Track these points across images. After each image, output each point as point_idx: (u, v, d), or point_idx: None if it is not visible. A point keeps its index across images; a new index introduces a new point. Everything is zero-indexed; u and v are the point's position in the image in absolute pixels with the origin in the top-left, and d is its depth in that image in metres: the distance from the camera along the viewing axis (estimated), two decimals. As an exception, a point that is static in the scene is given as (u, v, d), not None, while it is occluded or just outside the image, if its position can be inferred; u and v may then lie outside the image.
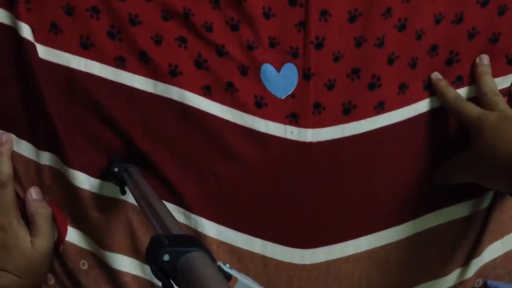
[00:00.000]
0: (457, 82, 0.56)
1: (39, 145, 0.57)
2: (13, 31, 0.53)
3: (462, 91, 0.57)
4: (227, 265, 0.36)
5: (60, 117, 0.55)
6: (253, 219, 0.58)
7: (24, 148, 0.57)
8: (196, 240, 0.37)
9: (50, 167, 0.57)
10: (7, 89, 0.55)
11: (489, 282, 0.59)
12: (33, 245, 0.55)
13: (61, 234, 0.58)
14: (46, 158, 0.57)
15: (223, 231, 0.58)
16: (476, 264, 0.59)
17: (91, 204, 0.57)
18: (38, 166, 0.57)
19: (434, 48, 0.55)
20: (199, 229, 0.58)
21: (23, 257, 0.54)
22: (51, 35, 0.54)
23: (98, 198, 0.57)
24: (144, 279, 0.59)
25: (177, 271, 0.35)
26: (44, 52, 0.54)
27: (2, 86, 0.55)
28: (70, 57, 0.54)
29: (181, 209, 0.58)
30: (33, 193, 0.57)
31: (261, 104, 0.56)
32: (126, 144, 0.56)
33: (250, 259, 0.58)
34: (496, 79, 0.56)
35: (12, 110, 0.56)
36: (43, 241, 0.56)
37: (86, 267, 0.59)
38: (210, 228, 0.58)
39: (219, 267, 0.35)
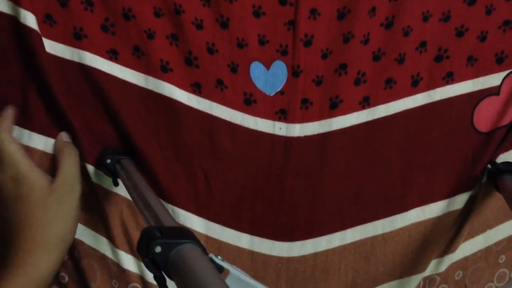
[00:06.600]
0: (447, 78, 0.57)
1: (32, 129, 0.55)
2: (15, 21, 0.52)
3: (452, 88, 0.57)
4: (219, 257, 0.36)
5: (58, 105, 0.54)
6: (240, 214, 0.58)
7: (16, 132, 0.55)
8: (188, 232, 0.38)
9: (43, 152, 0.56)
10: (5, 73, 0.54)
11: None
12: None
13: None
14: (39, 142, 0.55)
15: (211, 226, 0.58)
16: (450, 259, 0.60)
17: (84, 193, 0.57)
18: (29, 150, 0.55)
19: (423, 45, 0.56)
20: (187, 225, 0.58)
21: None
22: (45, 26, 0.53)
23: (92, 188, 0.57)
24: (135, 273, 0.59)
25: (168, 263, 0.35)
26: None
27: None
28: (63, 48, 0.54)
29: (169, 204, 0.58)
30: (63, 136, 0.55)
31: (250, 101, 0.56)
32: (118, 136, 0.56)
33: (238, 254, 0.59)
34: (486, 77, 0.57)
35: (11, 95, 0.55)
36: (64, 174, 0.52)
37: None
38: (198, 224, 0.58)
39: (211, 259, 0.36)
